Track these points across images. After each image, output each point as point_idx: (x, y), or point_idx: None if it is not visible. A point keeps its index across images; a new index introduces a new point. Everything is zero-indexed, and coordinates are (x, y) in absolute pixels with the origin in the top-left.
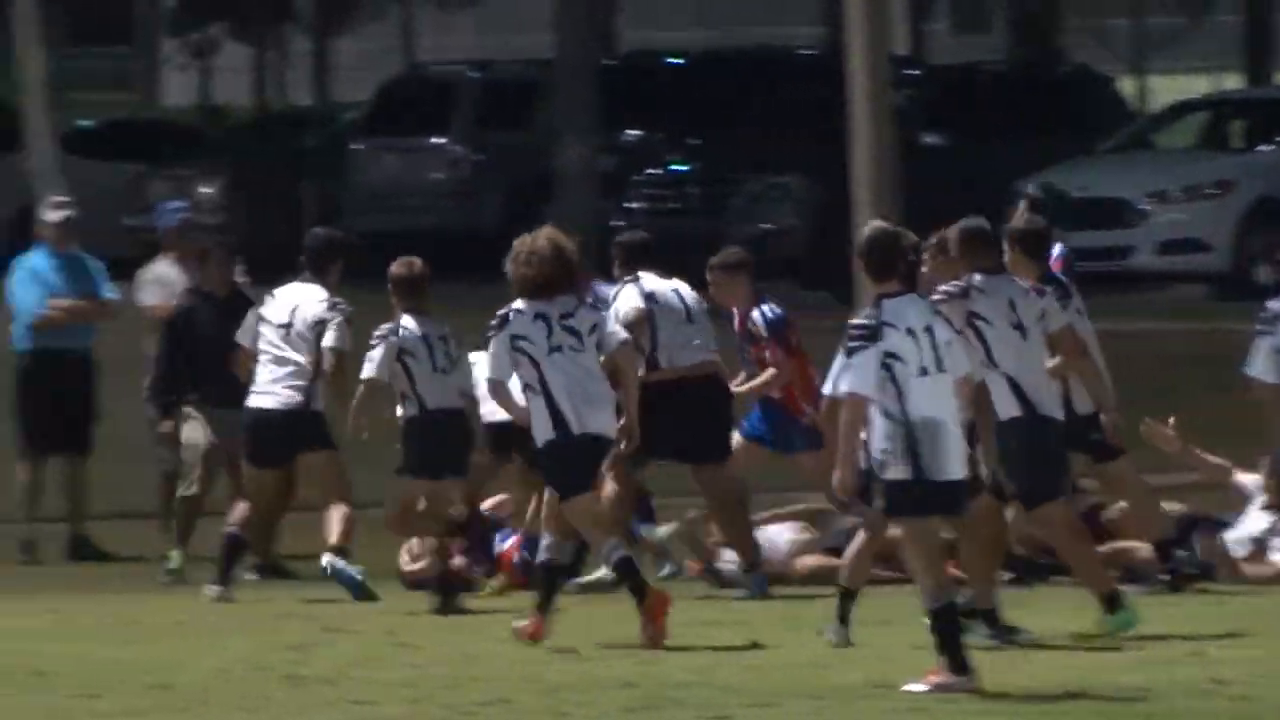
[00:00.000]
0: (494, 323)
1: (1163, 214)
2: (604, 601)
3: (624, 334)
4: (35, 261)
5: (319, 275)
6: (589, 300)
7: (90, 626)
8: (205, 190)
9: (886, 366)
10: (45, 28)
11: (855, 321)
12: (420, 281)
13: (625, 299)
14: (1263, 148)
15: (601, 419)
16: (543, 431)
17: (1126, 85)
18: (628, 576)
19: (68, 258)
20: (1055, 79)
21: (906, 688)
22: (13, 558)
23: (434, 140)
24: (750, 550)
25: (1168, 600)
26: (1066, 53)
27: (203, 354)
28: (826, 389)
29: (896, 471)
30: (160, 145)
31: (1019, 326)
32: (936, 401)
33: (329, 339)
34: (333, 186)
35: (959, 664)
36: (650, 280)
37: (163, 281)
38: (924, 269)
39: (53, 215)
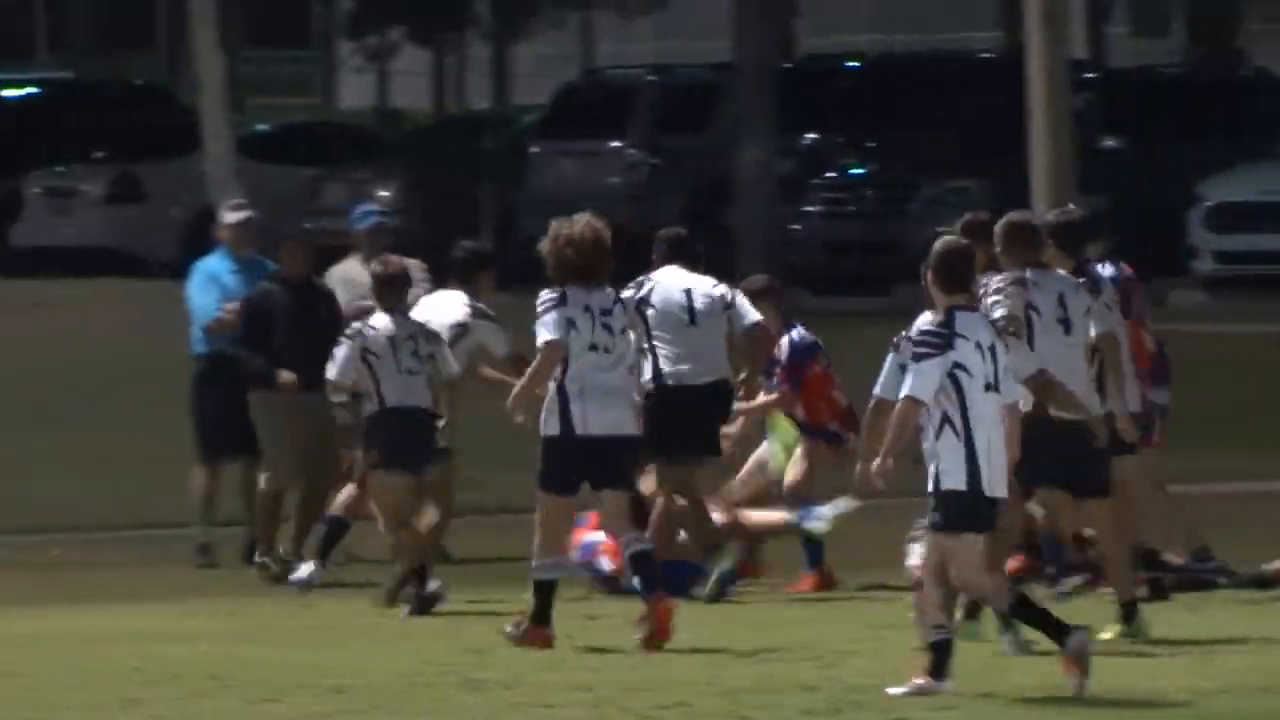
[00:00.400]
0: (551, 296)
1: None
2: (781, 605)
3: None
4: (212, 264)
5: (465, 285)
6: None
7: (267, 629)
8: (382, 194)
9: (953, 377)
10: (223, 32)
11: (926, 328)
12: (394, 281)
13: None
14: None
15: (608, 420)
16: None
17: None
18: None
19: (246, 261)
20: (1234, 82)
21: (889, 691)
22: (189, 561)
23: (612, 144)
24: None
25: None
26: (1245, 55)
27: (280, 339)
28: (876, 390)
29: (953, 482)
30: (337, 149)
31: (1064, 321)
32: (995, 418)
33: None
34: (510, 190)
35: (941, 669)
36: (665, 278)
37: (351, 282)
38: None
39: (231, 218)
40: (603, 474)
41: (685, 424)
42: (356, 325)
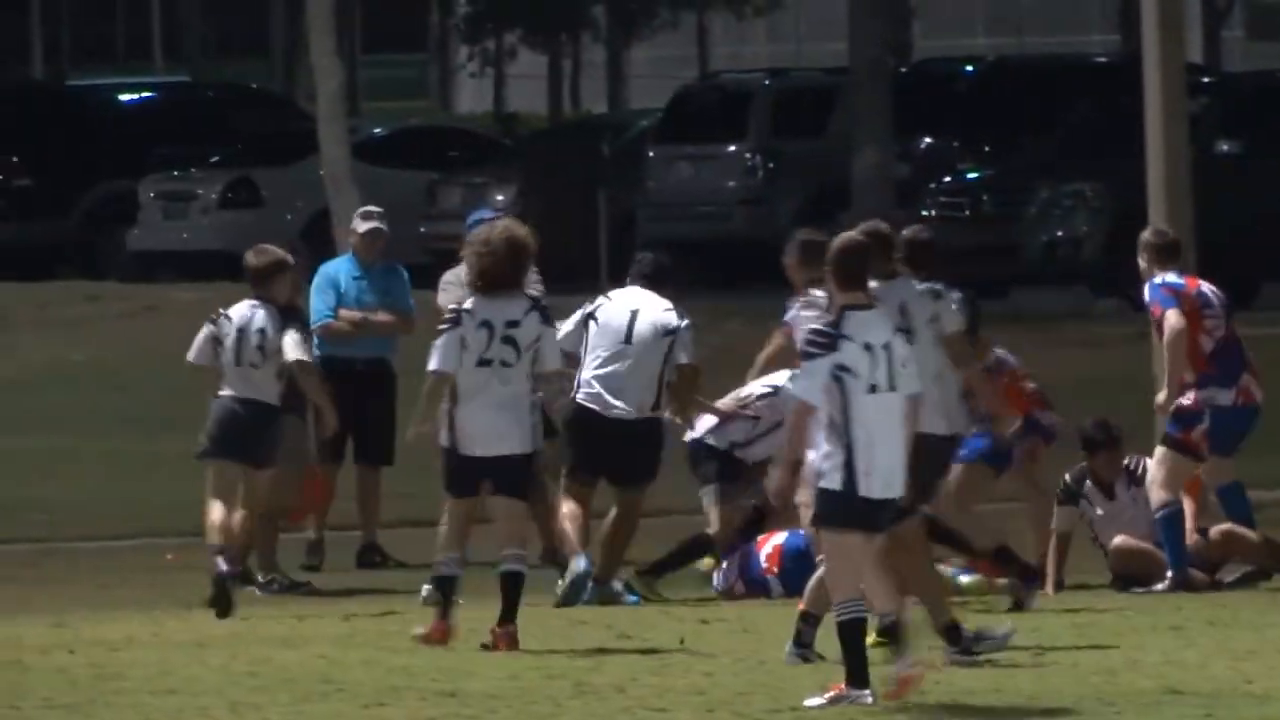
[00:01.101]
0: (448, 318)
1: None
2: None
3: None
4: (336, 267)
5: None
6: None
7: (379, 633)
8: (499, 197)
9: (837, 379)
10: (339, 36)
11: (815, 329)
12: (264, 270)
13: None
14: None
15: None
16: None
17: None
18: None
19: (374, 267)
20: None
21: (807, 702)
22: (300, 563)
23: (729, 147)
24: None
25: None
26: None
27: None
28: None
29: (829, 481)
30: (453, 153)
31: (905, 330)
32: (881, 419)
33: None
34: (628, 193)
35: (860, 677)
36: (620, 296)
37: (466, 286)
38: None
39: (361, 226)
40: (491, 484)
41: (589, 446)
42: (217, 312)
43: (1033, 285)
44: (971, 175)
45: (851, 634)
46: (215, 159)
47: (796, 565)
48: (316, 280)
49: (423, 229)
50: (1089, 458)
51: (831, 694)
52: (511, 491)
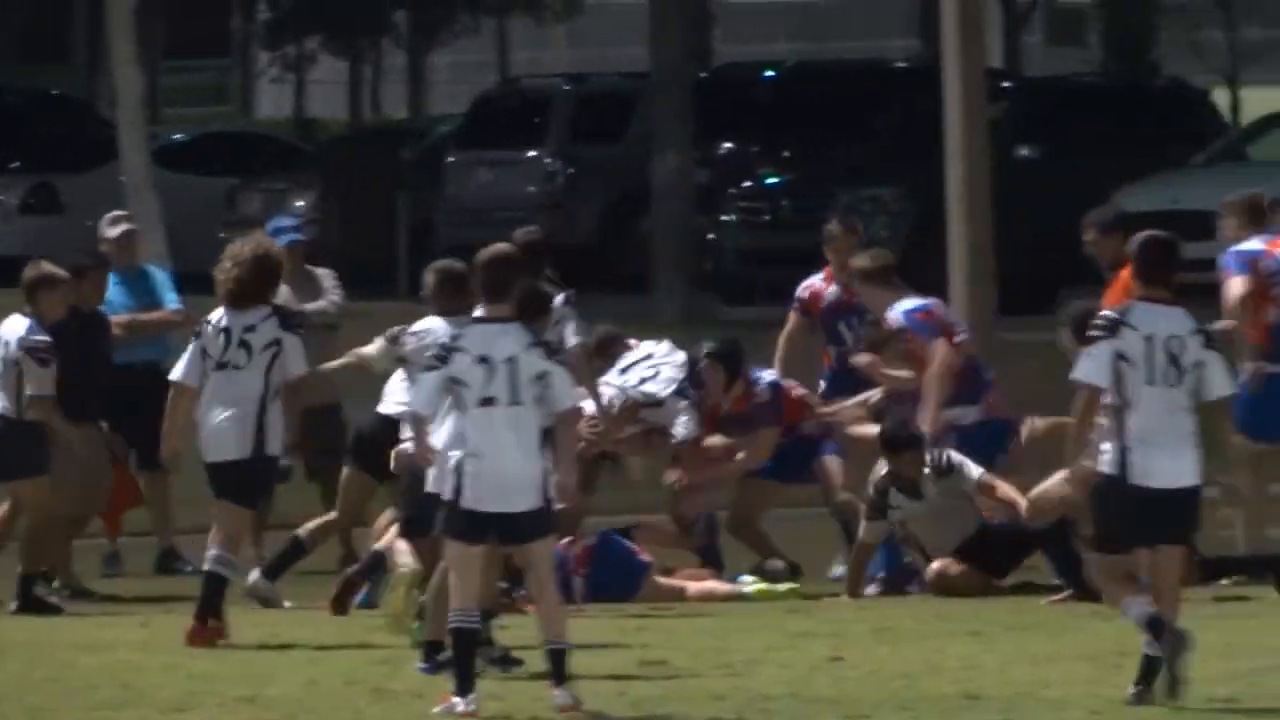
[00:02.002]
0: (195, 330)
1: None
2: (694, 615)
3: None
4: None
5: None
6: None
7: (179, 639)
8: (299, 203)
9: (452, 391)
10: (140, 42)
11: (440, 341)
12: (29, 285)
13: None
14: None
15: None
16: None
17: (1220, 97)
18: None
19: (129, 272)
20: (1149, 92)
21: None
22: (98, 571)
23: (529, 153)
24: None
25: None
26: (1161, 65)
27: (69, 368)
28: None
29: (436, 486)
30: (254, 159)
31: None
32: (493, 433)
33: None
34: (428, 199)
35: (464, 686)
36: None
37: None
38: None
39: (111, 230)
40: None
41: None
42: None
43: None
44: (771, 180)
45: (463, 642)
46: (15, 165)
47: (605, 567)
48: None
49: (223, 235)
50: (893, 458)
51: (442, 705)
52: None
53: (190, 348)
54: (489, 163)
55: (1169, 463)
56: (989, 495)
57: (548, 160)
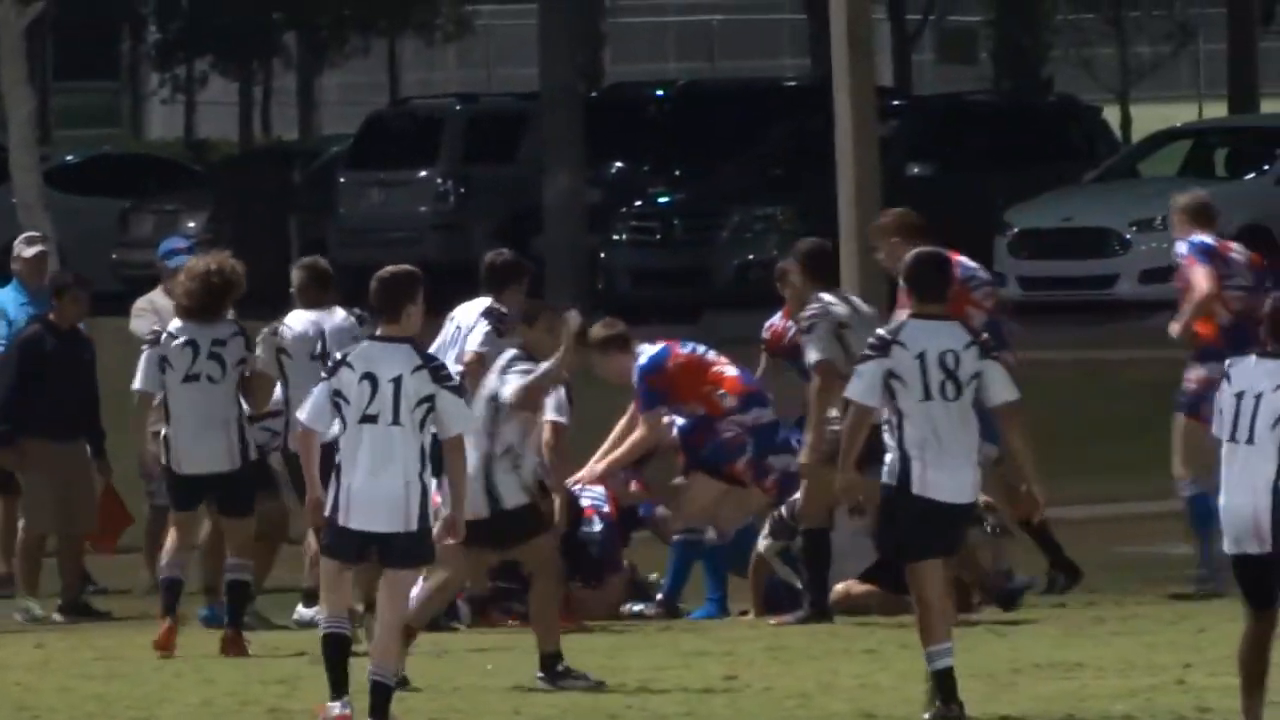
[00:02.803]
0: (146, 339)
1: (1146, 243)
2: (585, 634)
3: None
4: (4, 297)
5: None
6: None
7: (75, 661)
8: (191, 224)
9: (335, 404)
10: (32, 63)
11: (335, 355)
12: None
13: None
14: (1247, 176)
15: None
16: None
17: (1111, 114)
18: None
19: (40, 292)
20: (1041, 108)
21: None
22: None
23: (420, 173)
24: None
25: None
26: (1052, 82)
27: (47, 386)
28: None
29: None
30: (146, 180)
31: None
32: (368, 449)
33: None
34: (319, 219)
35: (337, 689)
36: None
37: (158, 311)
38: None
39: (27, 251)
40: (211, 502)
41: None
42: None
43: (725, 309)
44: (663, 199)
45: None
46: None
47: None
48: None
49: (115, 256)
50: None
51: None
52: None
53: (145, 357)
54: (381, 183)
55: (946, 478)
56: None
57: (439, 180)
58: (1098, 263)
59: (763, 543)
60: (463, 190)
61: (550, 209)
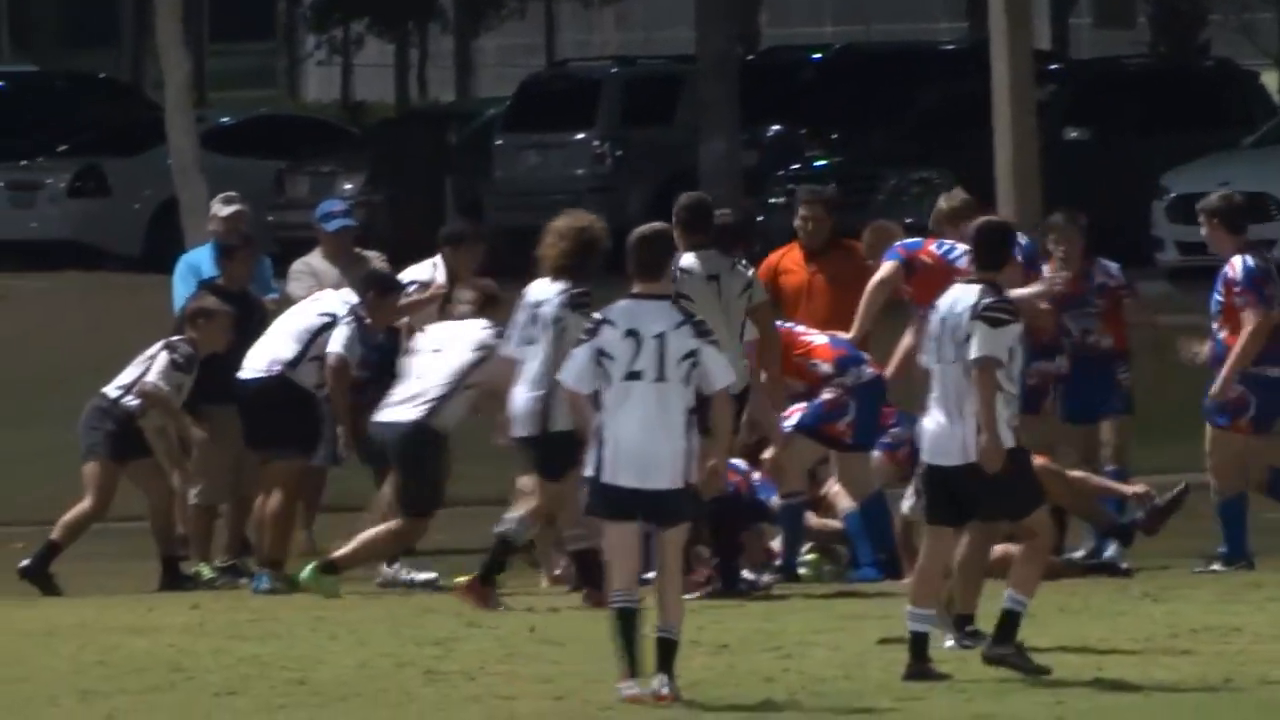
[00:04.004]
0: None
1: None
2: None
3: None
4: (198, 258)
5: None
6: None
7: (230, 623)
8: (347, 186)
9: (599, 364)
10: (187, 25)
11: (593, 316)
12: None
13: None
14: None
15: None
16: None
17: (1269, 79)
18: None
19: None
20: (1199, 73)
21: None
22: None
23: (577, 135)
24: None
25: None
26: (1210, 46)
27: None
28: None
29: (588, 467)
30: (301, 142)
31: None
32: (634, 409)
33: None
34: (476, 182)
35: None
36: None
37: (315, 274)
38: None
39: (224, 210)
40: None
41: None
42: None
43: None
44: (819, 163)
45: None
46: (63, 148)
47: None
48: (179, 269)
49: (270, 218)
50: None
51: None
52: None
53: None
54: (537, 145)
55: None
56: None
57: (596, 143)
58: (1255, 227)
59: (906, 505)
60: (619, 153)
61: (706, 172)
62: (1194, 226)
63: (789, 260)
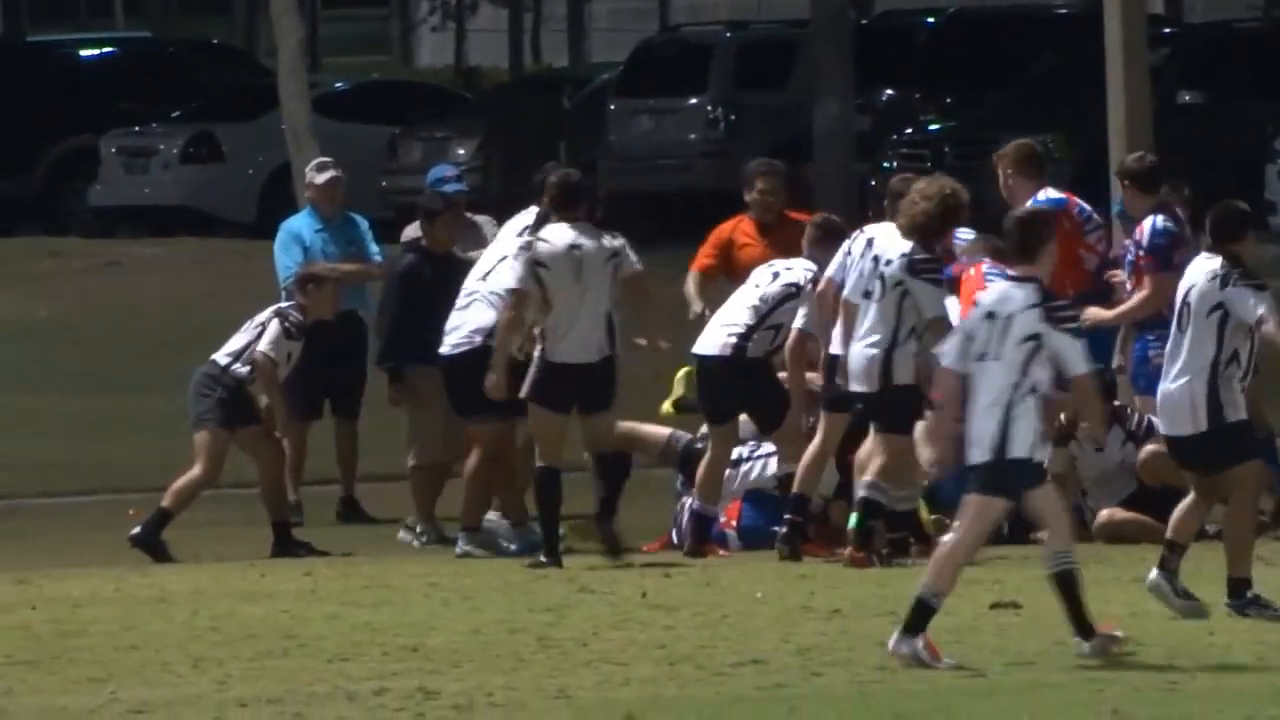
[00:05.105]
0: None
1: None
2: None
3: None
4: (298, 224)
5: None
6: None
7: (343, 589)
8: (460, 152)
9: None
10: None
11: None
12: None
13: None
14: None
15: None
16: None
17: None
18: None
19: (335, 219)
20: None
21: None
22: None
23: (690, 100)
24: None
25: None
26: None
27: (431, 313)
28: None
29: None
30: (414, 107)
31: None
32: (978, 387)
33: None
34: (589, 146)
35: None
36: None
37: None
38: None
39: (319, 177)
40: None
41: None
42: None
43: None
44: (933, 127)
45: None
46: (176, 114)
47: (754, 516)
48: (280, 237)
49: (384, 183)
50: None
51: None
52: None
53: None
54: (651, 110)
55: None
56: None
57: (709, 108)
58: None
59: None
60: (733, 118)
61: (820, 137)
62: None
63: (741, 233)
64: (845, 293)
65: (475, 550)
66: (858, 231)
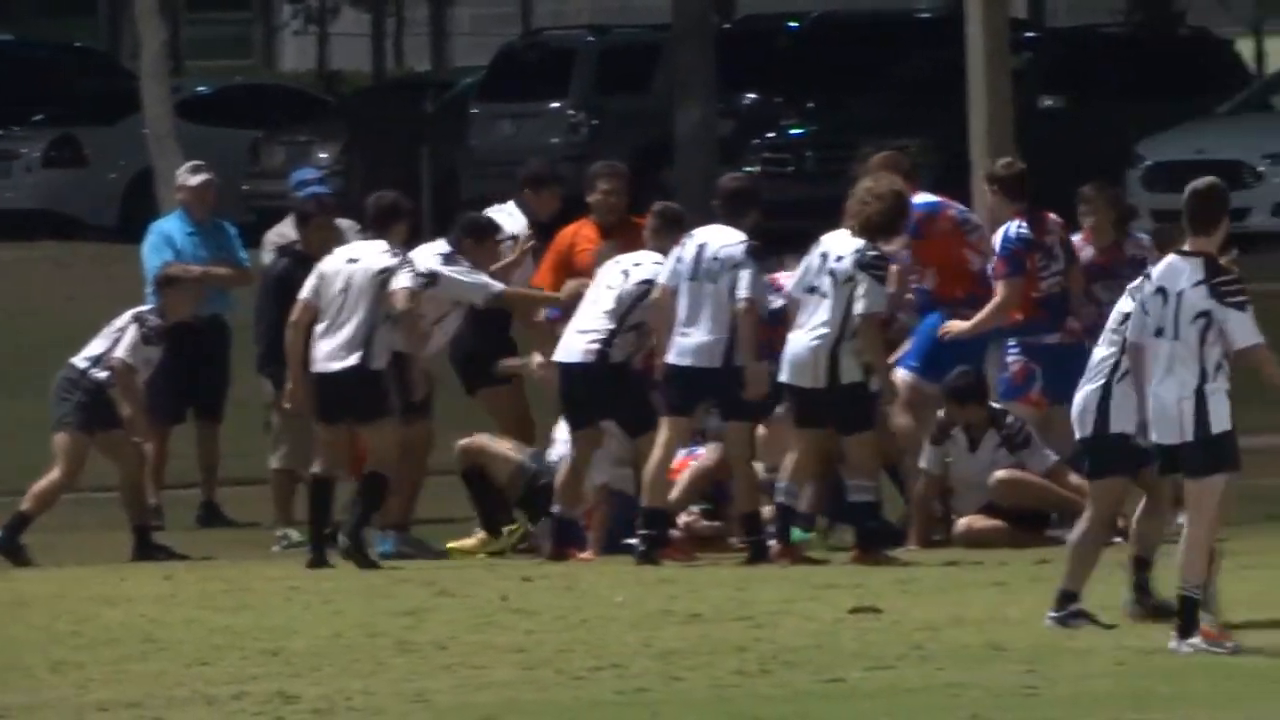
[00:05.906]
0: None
1: (1279, 175)
2: (712, 566)
3: None
4: (170, 225)
5: (382, 235)
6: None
7: (203, 593)
8: (323, 155)
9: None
10: None
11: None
12: None
13: None
14: None
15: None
16: None
17: (1245, 47)
18: None
19: (205, 224)
20: (1173, 41)
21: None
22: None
23: (552, 104)
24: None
25: None
26: (1185, 15)
27: None
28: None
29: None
30: (277, 111)
31: None
32: (1158, 366)
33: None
34: (451, 151)
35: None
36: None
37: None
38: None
39: (192, 179)
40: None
41: None
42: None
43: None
44: (795, 131)
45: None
46: (38, 117)
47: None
48: (150, 239)
49: (246, 187)
50: (958, 409)
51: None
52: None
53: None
54: (513, 114)
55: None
56: (1057, 482)
57: (571, 112)
58: (1230, 196)
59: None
60: (595, 122)
61: (682, 141)
62: (1170, 194)
63: (582, 238)
64: (788, 288)
65: (405, 549)
66: (687, 237)
